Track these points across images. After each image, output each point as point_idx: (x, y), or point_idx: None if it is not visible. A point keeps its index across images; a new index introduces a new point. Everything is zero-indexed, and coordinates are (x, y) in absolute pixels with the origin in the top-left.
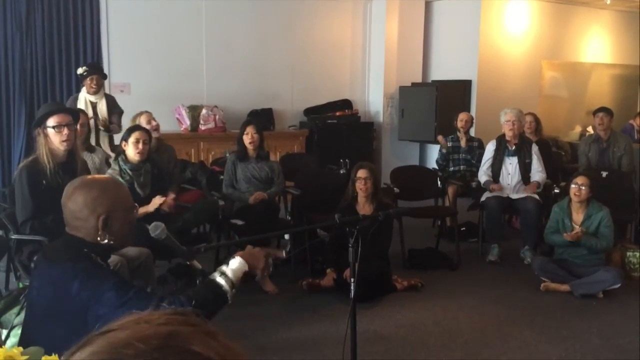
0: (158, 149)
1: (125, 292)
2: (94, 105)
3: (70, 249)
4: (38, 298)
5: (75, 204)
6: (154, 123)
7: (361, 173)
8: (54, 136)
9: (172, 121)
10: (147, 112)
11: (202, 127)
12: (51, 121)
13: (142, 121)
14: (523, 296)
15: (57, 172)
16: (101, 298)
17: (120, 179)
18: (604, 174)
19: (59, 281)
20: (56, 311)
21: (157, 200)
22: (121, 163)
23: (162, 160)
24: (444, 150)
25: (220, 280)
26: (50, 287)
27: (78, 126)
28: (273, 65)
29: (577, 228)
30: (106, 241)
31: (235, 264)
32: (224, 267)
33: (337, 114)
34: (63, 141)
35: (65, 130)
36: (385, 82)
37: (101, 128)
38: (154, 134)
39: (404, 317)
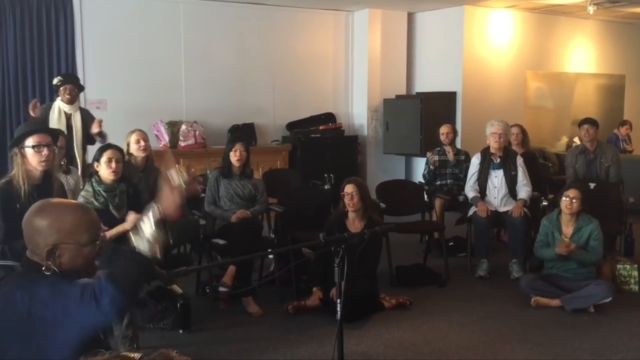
0: (144, 168)
1: (56, 282)
2: (68, 117)
3: (30, 273)
4: None
5: (30, 228)
6: (142, 144)
7: (348, 188)
8: (32, 156)
9: (150, 138)
10: (139, 130)
11: (182, 144)
12: (30, 141)
13: (132, 139)
14: (513, 312)
15: (32, 195)
16: (36, 296)
17: (94, 201)
18: (592, 185)
19: (8, 295)
20: (3, 326)
21: (132, 218)
22: (95, 184)
23: (147, 181)
24: (432, 167)
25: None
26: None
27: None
28: (254, 79)
29: (566, 240)
30: (49, 272)
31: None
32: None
33: (321, 127)
34: (42, 162)
35: (45, 151)
36: (368, 94)
37: (76, 147)
38: (142, 153)
39: (392, 337)
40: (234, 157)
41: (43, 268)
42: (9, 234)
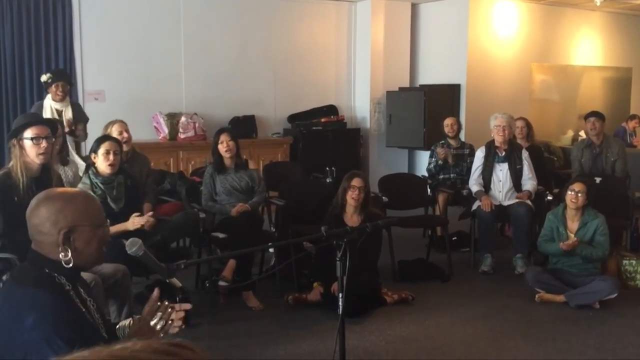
0: (129, 158)
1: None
2: (59, 113)
3: (34, 269)
4: None
5: (38, 217)
6: (125, 135)
7: (356, 182)
8: (30, 148)
9: (149, 130)
10: (120, 121)
11: (182, 136)
12: (29, 133)
13: (114, 131)
14: (517, 307)
15: (30, 187)
16: (52, 346)
17: (91, 193)
18: (598, 180)
19: (16, 305)
20: (4, 336)
21: (137, 220)
22: (92, 176)
23: (134, 170)
24: (440, 162)
25: None
26: (6, 309)
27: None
28: (255, 71)
29: (572, 237)
30: (67, 258)
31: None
32: None
33: (323, 120)
34: (40, 154)
35: (44, 143)
36: (371, 86)
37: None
38: (125, 146)
39: (394, 333)
40: (222, 149)
41: (61, 255)
42: (8, 227)
